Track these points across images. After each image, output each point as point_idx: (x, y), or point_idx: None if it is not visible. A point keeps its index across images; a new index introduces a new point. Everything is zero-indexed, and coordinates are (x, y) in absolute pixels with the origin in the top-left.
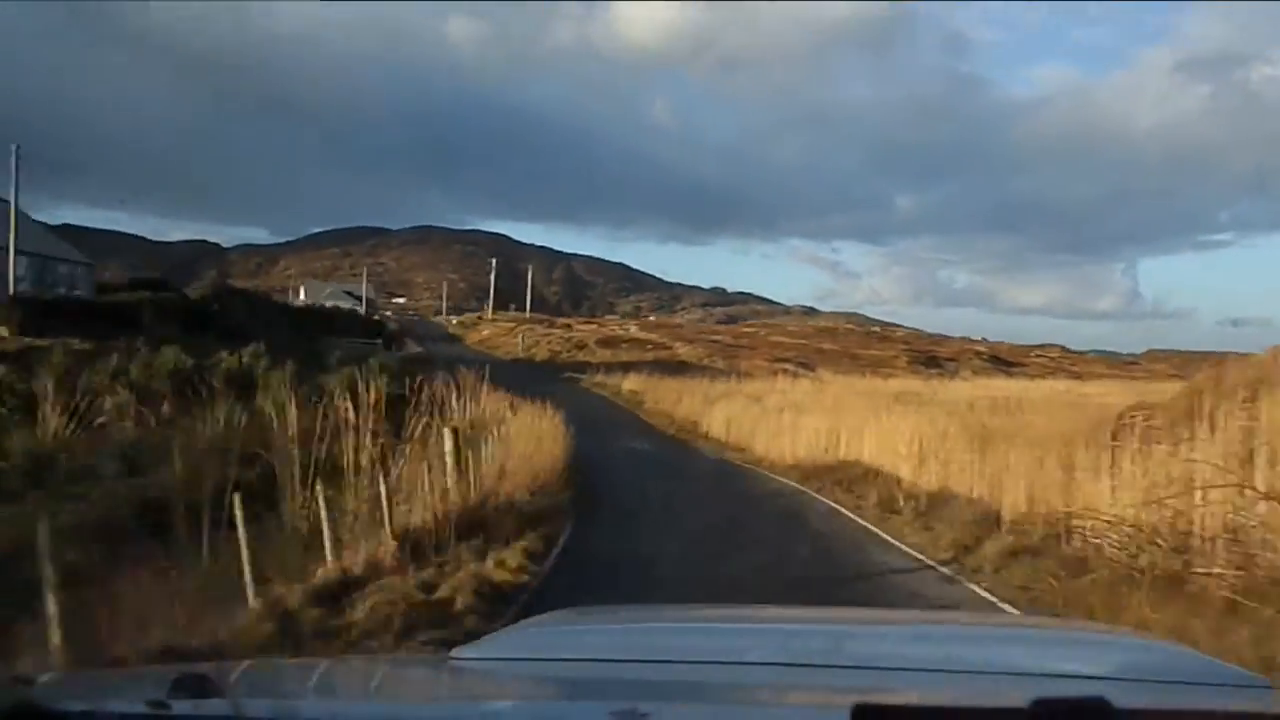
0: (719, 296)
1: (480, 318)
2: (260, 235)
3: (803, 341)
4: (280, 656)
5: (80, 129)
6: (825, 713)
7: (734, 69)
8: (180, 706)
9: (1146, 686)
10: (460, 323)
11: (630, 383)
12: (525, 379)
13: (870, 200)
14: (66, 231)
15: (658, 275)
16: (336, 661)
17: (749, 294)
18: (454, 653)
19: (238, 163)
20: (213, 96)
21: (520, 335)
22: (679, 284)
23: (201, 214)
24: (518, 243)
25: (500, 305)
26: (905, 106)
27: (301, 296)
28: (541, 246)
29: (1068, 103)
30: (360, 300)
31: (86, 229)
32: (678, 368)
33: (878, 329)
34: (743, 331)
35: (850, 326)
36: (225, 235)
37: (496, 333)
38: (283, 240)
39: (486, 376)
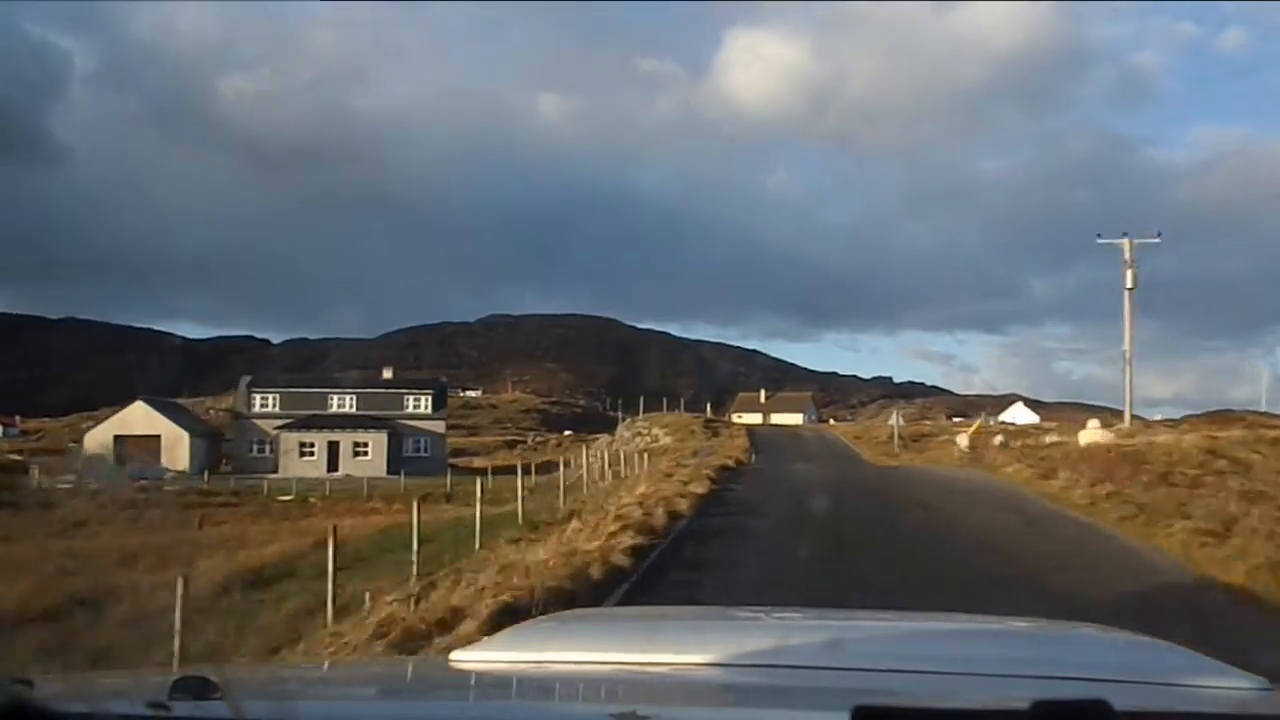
0: (891, 388)
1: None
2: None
3: None
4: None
5: (156, 233)
6: (825, 714)
7: (861, 129)
8: (180, 708)
9: (1147, 688)
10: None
11: None
12: None
13: (1002, 285)
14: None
15: (807, 366)
16: (337, 664)
17: (921, 384)
18: (454, 655)
19: (320, 261)
20: (295, 193)
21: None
22: (835, 373)
23: (281, 314)
24: (631, 327)
25: (625, 399)
26: (1051, 174)
27: None
28: (661, 332)
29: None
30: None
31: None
32: None
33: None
34: None
35: None
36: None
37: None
38: (370, 337)
39: None
